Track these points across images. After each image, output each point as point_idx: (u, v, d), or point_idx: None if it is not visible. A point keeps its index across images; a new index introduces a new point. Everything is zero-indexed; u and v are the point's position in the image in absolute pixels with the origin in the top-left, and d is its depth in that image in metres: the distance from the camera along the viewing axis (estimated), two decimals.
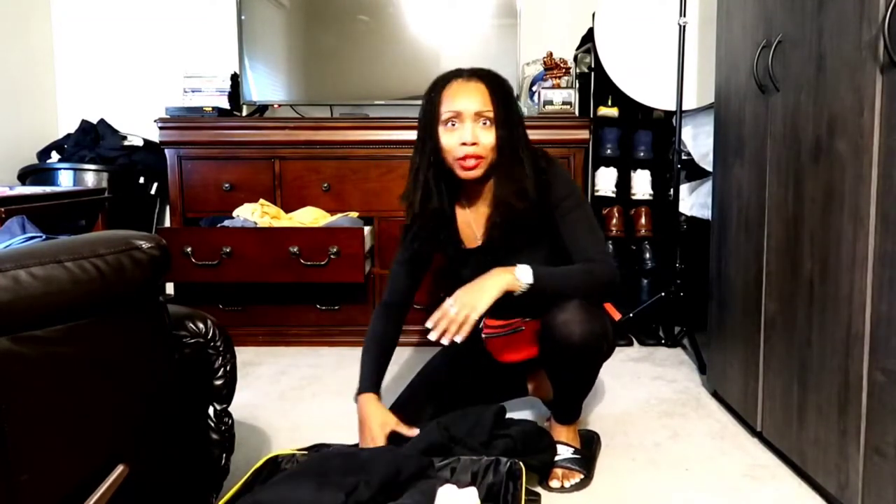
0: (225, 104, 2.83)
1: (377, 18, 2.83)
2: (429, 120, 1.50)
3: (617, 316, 1.66)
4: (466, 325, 1.38)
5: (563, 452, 1.56)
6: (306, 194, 2.68)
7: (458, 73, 1.51)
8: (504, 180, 1.49)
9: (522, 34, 2.81)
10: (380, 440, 1.50)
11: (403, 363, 2.38)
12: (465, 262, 1.63)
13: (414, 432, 1.51)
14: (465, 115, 1.45)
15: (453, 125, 1.47)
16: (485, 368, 1.78)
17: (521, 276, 1.41)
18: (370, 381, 1.60)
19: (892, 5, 1.15)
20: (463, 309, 1.38)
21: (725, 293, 1.93)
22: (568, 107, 2.69)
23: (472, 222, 1.62)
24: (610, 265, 1.51)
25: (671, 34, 2.52)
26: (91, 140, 3.01)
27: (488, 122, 1.46)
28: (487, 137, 1.46)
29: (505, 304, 1.45)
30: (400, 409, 1.65)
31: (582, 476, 1.53)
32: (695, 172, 2.71)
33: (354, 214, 2.66)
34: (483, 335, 1.74)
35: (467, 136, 1.45)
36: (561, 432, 1.60)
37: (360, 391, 1.59)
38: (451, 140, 1.47)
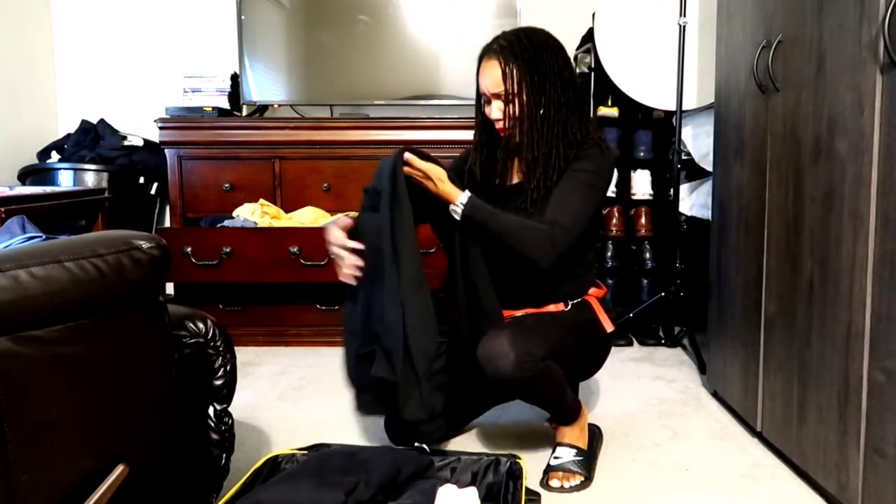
0: (225, 104, 2.83)
1: (377, 18, 2.83)
2: (477, 92, 1.66)
3: (609, 326, 1.64)
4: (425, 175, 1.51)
5: (565, 455, 1.56)
6: (306, 194, 2.68)
7: (489, 47, 1.59)
8: (527, 147, 1.58)
9: None
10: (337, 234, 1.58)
11: None
12: (499, 194, 1.64)
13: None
14: (488, 94, 1.59)
15: (487, 101, 1.61)
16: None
17: (459, 200, 1.50)
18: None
19: (892, 5, 1.15)
20: (434, 173, 1.51)
21: (725, 293, 1.93)
22: None
23: (518, 168, 1.68)
24: (555, 241, 1.47)
25: (671, 34, 2.52)
26: (91, 140, 3.01)
27: (509, 99, 1.55)
28: (511, 110, 1.56)
29: (504, 292, 1.54)
30: (397, 417, 1.65)
31: (582, 478, 1.53)
32: (695, 172, 2.71)
33: (354, 214, 2.65)
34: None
35: (494, 113, 1.59)
36: (563, 433, 1.60)
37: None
38: (487, 111, 1.62)
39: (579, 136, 1.58)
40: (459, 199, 1.50)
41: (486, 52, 1.59)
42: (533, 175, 1.57)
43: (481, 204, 1.50)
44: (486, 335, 1.47)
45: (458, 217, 1.50)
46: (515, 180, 1.67)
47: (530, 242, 1.47)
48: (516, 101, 1.55)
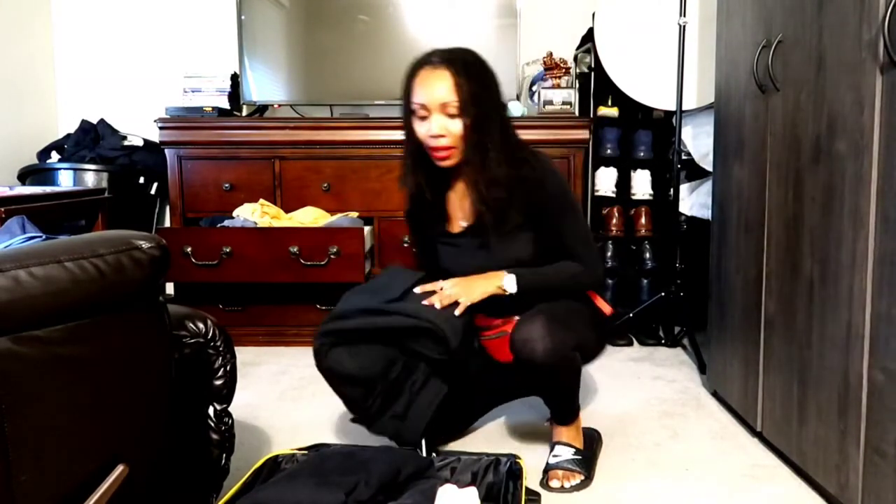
0: (225, 104, 2.83)
1: (377, 18, 2.83)
2: (405, 107, 1.52)
3: (608, 309, 1.67)
4: (457, 305, 1.48)
5: (564, 453, 1.56)
6: (306, 194, 2.68)
7: (427, 60, 1.48)
8: (474, 168, 1.50)
9: (522, 34, 2.81)
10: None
11: None
12: (450, 244, 1.65)
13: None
14: (431, 107, 1.45)
15: (423, 117, 1.47)
16: (484, 370, 1.77)
17: (507, 285, 1.51)
18: None
19: (892, 5, 1.15)
20: (456, 292, 1.49)
21: (725, 293, 1.93)
22: (568, 107, 2.69)
23: (458, 206, 1.63)
24: (595, 271, 1.58)
25: (671, 34, 2.52)
26: (91, 140, 3.01)
27: (455, 113, 1.45)
28: (457, 126, 1.46)
29: (497, 303, 1.55)
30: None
31: (582, 477, 1.53)
32: (695, 172, 2.71)
33: (354, 214, 2.66)
34: (481, 337, 1.73)
35: (434, 128, 1.46)
36: (561, 432, 1.60)
37: None
38: (421, 131, 1.49)
39: (526, 153, 1.56)
40: (507, 284, 1.51)
41: (425, 64, 1.48)
42: (487, 199, 1.50)
43: (522, 283, 1.52)
44: (521, 319, 1.48)
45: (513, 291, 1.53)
46: (458, 221, 1.63)
47: (580, 285, 1.59)
48: (470, 114, 1.45)
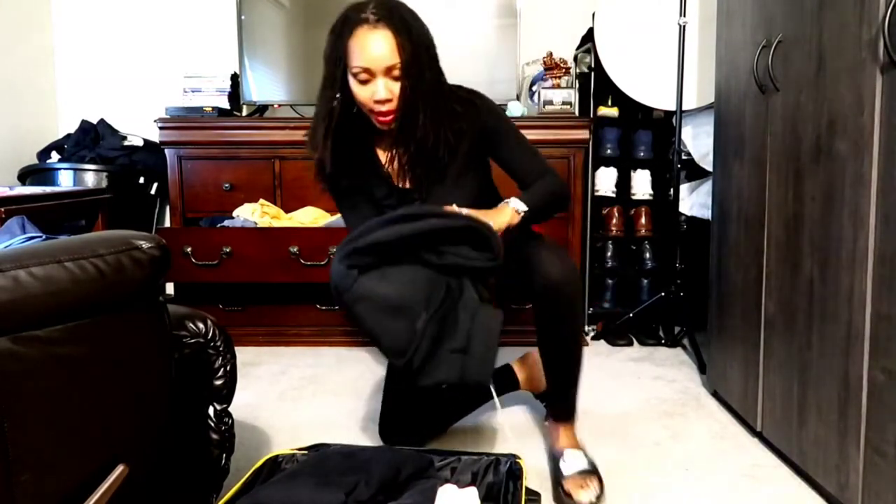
0: (225, 104, 2.83)
1: None
2: (337, 65, 1.40)
3: None
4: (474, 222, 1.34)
5: (577, 460, 1.48)
6: (306, 194, 2.68)
7: (362, 17, 1.37)
8: (407, 130, 1.43)
9: (522, 34, 2.81)
10: None
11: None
12: (401, 200, 1.55)
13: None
14: (376, 71, 1.37)
15: (364, 81, 1.39)
16: None
17: (518, 207, 1.47)
18: None
19: (892, 5, 1.15)
20: (473, 213, 1.38)
21: (725, 293, 1.93)
22: (568, 107, 2.69)
23: (393, 160, 1.53)
24: (559, 175, 1.58)
25: (671, 34, 2.52)
26: (91, 140, 3.01)
27: (398, 74, 1.38)
28: (397, 88, 1.39)
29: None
30: (388, 417, 1.64)
31: (600, 484, 1.44)
32: (695, 172, 2.71)
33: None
34: None
35: (381, 92, 1.38)
36: (565, 435, 1.55)
37: None
38: (364, 94, 1.40)
39: (464, 93, 1.53)
40: (517, 206, 1.47)
41: (362, 22, 1.36)
42: (419, 162, 1.47)
43: (528, 200, 1.48)
44: (530, 253, 1.44)
45: (521, 216, 1.47)
46: (397, 178, 1.55)
47: (563, 198, 1.58)
48: (410, 75, 1.37)
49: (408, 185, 1.55)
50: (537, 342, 1.53)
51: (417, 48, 1.38)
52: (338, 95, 1.43)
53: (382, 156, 1.55)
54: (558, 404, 1.58)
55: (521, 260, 1.45)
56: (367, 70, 1.37)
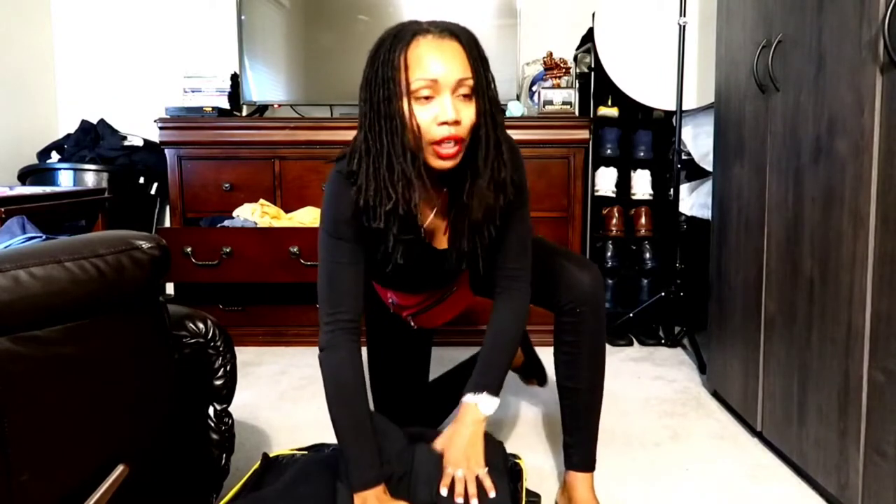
0: (225, 104, 2.83)
1: (377, 18, 2.83)
2: (390, 91, 1.11)
3: None
4: (484, 480, 1.20)
5: None
6: (306, 194, 2.68)
7: (423, 28, 1.15)
8: (483, 169, 1.17)
9: (522, 34, 2.81)
10: None
11: None
12: (431, 260, 1.33)
13: None
14: (444, 85, 1.11)
15: (427, 98, 1.11)
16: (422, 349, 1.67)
17: (488, 409, 1.27)
18: (373, 467, 1.20)
19: (892, 5, 1.15)
20: (469, 468, 1.22)
21: (725, 293, 1.93)
22: (568, 107, 2.69)
23: (432, 215, 1.28)
24: (528, 288, 1.34)
25: (671, 34, 2.52)
26: (91, 140, 3.02)
27: (468, 94, 1.13)
28: (468, 114, 1.13)
29: (431, 279, 1.39)
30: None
31: None
32: (695, 172, 2.71)
33: None
34: (408, 314, 1.56)
35: (449, 112, 1.10)
36: (583, 491, 1.39)
37: (364, 483, 1.18)
38: (426, 116, 1.11)
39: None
40: (488, 409, 1.27)
41: (424, 32, 1.14)
42: (481, 224, 1.21)
43: (484, 383, 1.27)
44: (555, 273, 1.34)
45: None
46: (438, 235, 1.31)
47: (525, 318, 1.35)
48: (485, 98, 1.15)
49: (444, 245, 1.31)
50: (558, 371, 1.42)
51: (487, 70, 1.17)
52: (398, 143, 1.12)
53: (424, 207, 1.27)
54: (576, 447, 1.41)
55: (547, 278, 1.36)
56: (432, 83, 1.10)
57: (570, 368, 1.41)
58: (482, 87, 1.14)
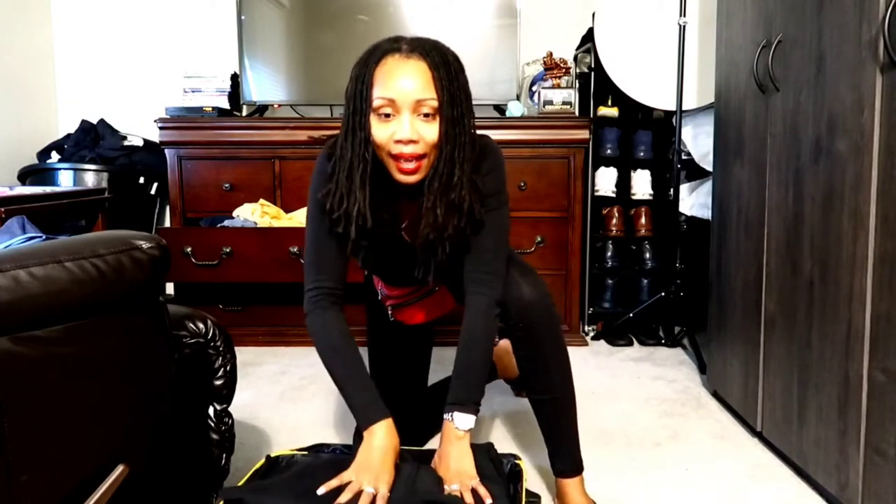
0: (225, 104, 2.83)
1: (377, 18, 2.83)
2: (358, 105, 1.20)
3: None
4: (479, 489, 1.18)
5: None
6: (306, 194, 2.66)
7: (394, 47, 1.20)
8: (440, 192, 1.22)
9: (522, 34, 2.81)
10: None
11: None
12: (405, 255, 1.37)
13: None
14: (402, 103, 1.17)
15: (387, 116, 1.18)
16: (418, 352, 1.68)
17: (465, 425, 1.25)
18: (375, 403, 1.26)
19: (892, 5, 1.15)
20: (462, 482, 1.20)
21: (725, 293, 1.93)
22: (568, 107, 2.69)
23: (418, 222, 1.32)
24: (498, 290, 1.30)
25: (671, 34, 2.52)
26: (91, 140, 3.02)
27: (430, 113, 1.18)
28: (430, 132, 1.18)
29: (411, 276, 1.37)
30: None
31: None
32: (695, 172, 2.71)
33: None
34: (390, 304, 1.58)
35: (404, 131, 1.17)
36: (575, 495, 1.38)
37: (368, 418, 1.24)
38: (384, 134, 1.19)
39: (485, 152, 1.30)
40: (466, 425, 1.25)
41: (393, 51, 1.20)
42: (444, 231, 1.23)
43: (462, 399, 1.26)
44: (505, 282, 1.30)
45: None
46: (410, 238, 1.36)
47: (495, 323, 1.31)
48: (447, 118, 1.18)
49: (416, 242, 1.34)
50: (525, 386, 1.41)
51: (457, 91, 1.20)
52: (365, 154, 1.21)
53: (404, 208, 1.34)
54: (560, 455, 1.41)
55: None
56: (390, 102, 1.17)
57: (533, 381, 1.39)
58: (445, 108, 1.18)
